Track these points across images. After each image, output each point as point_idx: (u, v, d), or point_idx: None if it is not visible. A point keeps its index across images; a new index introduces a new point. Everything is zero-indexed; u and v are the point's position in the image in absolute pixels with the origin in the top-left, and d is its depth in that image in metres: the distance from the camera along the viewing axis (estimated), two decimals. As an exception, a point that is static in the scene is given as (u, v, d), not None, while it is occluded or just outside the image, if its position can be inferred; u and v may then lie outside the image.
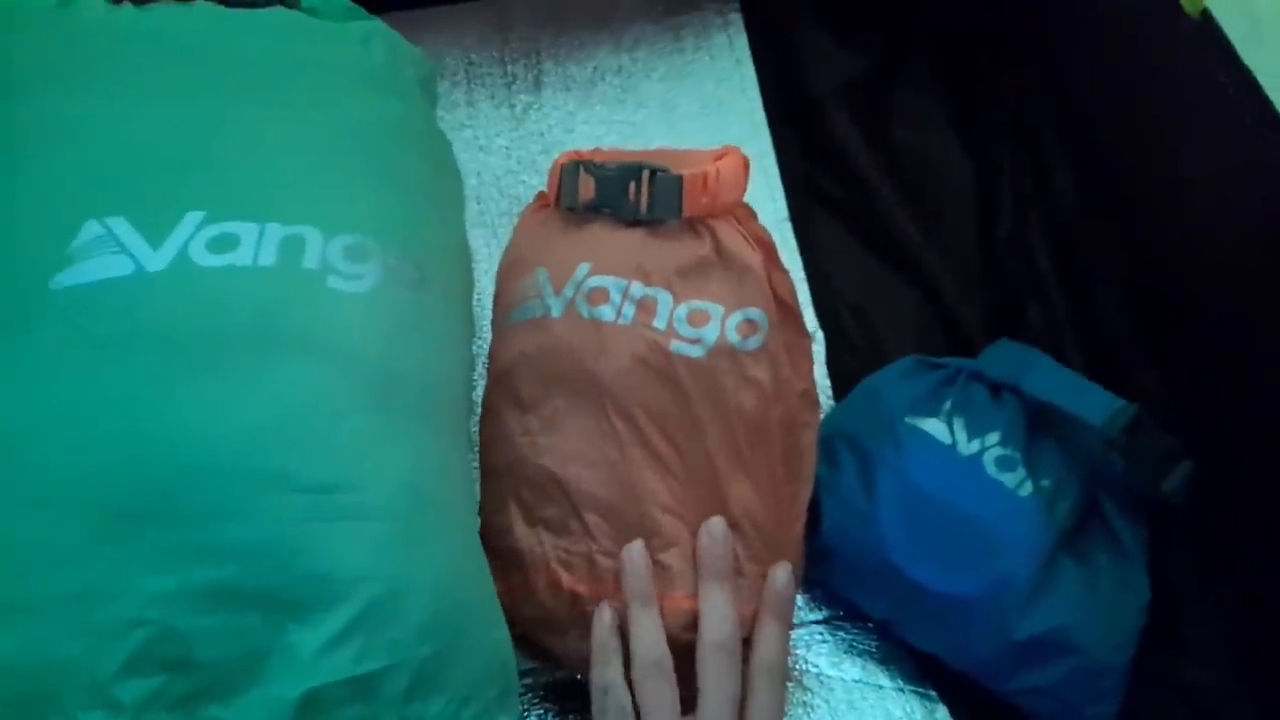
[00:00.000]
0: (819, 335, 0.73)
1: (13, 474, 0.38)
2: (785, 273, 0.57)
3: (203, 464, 0.39)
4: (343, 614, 0.39)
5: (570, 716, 0.58)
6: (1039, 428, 0.62)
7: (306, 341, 0.43)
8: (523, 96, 0.80)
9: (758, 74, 0.81)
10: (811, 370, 0.59)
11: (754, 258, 0.53)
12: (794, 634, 0.62)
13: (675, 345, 0.51)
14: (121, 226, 0.42)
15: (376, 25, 0.57)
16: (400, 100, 0.55)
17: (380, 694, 0.40)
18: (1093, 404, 0.60)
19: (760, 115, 0.80)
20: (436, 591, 0.42)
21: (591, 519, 0.50)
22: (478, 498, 0.53)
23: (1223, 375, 0.64)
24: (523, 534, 0.52)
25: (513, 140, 0.78)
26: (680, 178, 0.52)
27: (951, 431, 0.61)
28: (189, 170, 0.45)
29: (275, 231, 0.44)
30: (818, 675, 0.62)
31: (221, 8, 0.52)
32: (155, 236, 0.42)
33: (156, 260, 0.42)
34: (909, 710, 0.60)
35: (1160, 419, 0.64)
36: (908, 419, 0.62)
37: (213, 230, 0.43)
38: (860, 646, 0.62)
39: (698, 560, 0.51)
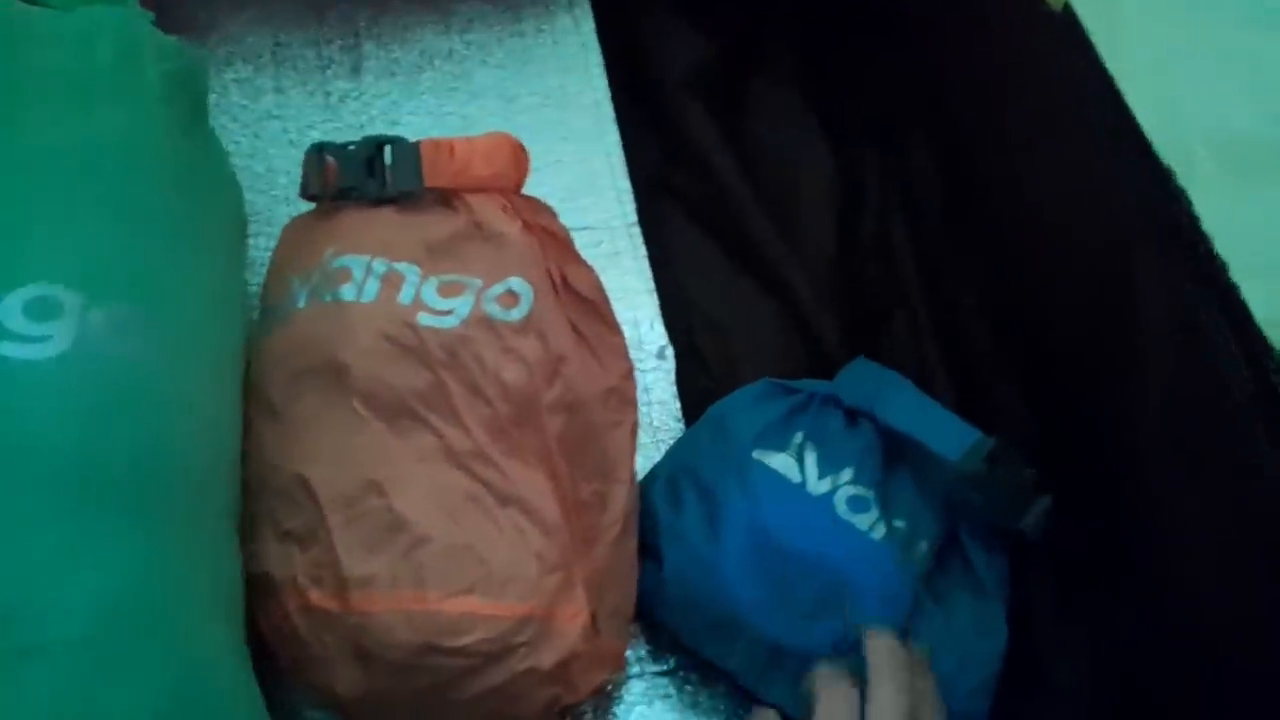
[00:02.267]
0: (668, 352, 0.67)
1: None
2: (587, 268, 0.54)
3: None
4: None
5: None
6: (895, 459, 0.58)
7: None
8: (339, 83, 0.71)
9: (605, 61, 0.74)
10: (624, 368, 0.55)
11: (512, 227, 0.51)
12: (644, 690, 0.57)
13: (423, 317, 0.48)
14: None
15: (109, 14, 0.47)
16: (132, 109, 0.46)
17: None
18: (948, 436, 0.56)
19: (607, 107, 0.73)
20: None
21: (335, 520, 0.44)
22: (234, 594, 0.45)
23: (1078, 391, 0.61)
24: (273, 554, 0.46)
25: (328, 134, 0.69)
26: (418, 144, 0.50)
27: (802, 468, 0.56)
28: None
29: None
30: (660, 734, 0.56)
31: None
32: None
33: None
34: (758, 775, 0.56)
35: (1020, 435, 0.60)
36: (755, 454, 0.56)
37: None
38: (704, 703, 0.57)
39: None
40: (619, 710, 0.56)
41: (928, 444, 0.56)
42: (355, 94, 0.71)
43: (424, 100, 0.71)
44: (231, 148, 0.68)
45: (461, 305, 0.48)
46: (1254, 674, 0.47)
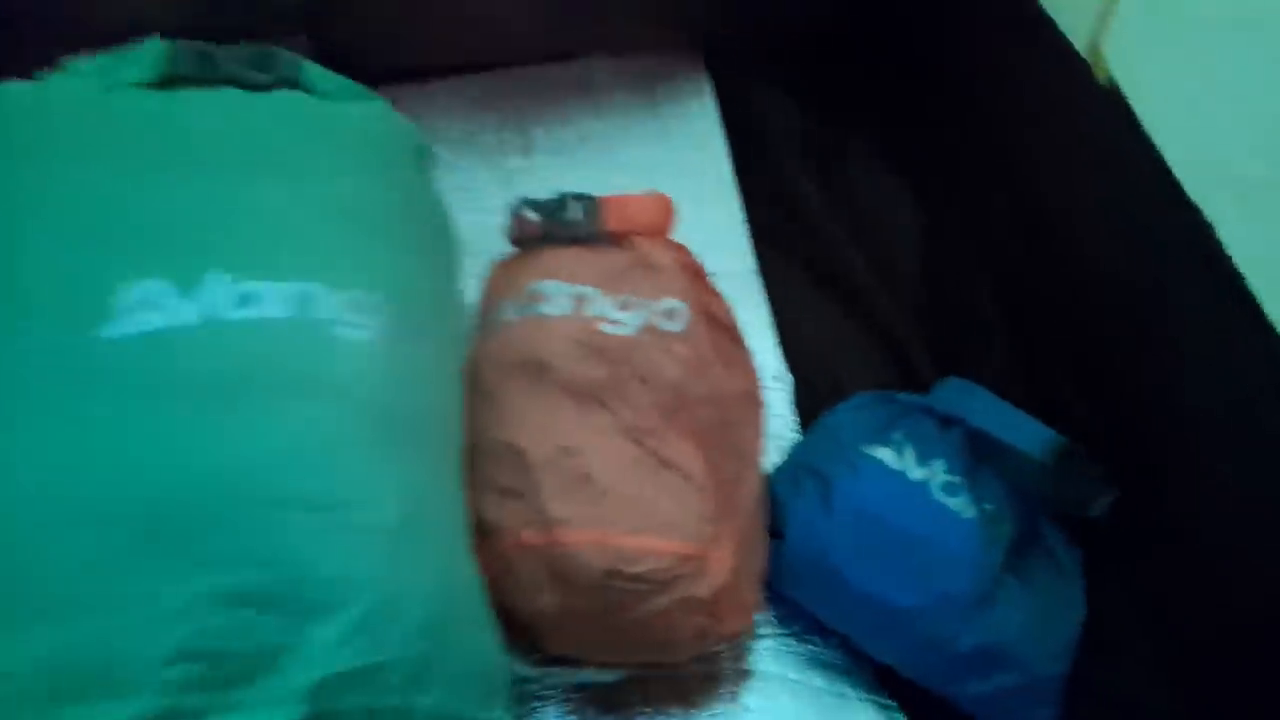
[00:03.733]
0: (786, 377, 0.80)
1: (74, 496, 0.44)
2: (719, 296, 0.68)
3: (229, 488, 0.46)
4: (348, 615, 0.45)
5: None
6: (982, 457, 0.68)
7: (316, 382, 0.50)
8: (514, 160, 0.87)
9: (726, 137, 0.89)
10: (752, 378, 0.68)
11: (669, 261, 0.65)
12: (772, 646, 0.68)
13: (604, 326, 0.62)
14: (155, 285, 0.49)
15: (375, 105, 0.65)
16: (395, 170, 0.62)
17: (380, 684, 0.46)
18: (1029, 435, 0.67)
19: (729, 174, 0.88)
20: (429, 599, 0.48)
21: (540, 471, 0.58)
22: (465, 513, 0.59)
23: (1146, 408, 0.70)
24: (491, 507, 0.59)
25: (506, 201, 0.85)
26: (599, 199, 0.66)
27: (902, 458, 0.68)
28: (213, 234, 0.52)
29: (292, 287, 0.51)
30: (789, 681, 0.67)
31: (239, 91, 0.59)
32: (187, 293, 0.49)
33: (188, 312, 0.49)
34: (870, 718, 0.66)
35: (1090, 447, 0.70)
36: (862, 447, 0.68)
37: (237, 288, 0.50)
38: (824, 659, 0.68)
39: None
40: (752, 659, 0.67)
41: (1012, 442, 0.66)
42: (526, 170, 0.87)
43: (581, 173, 0.86)
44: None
45: (633, 318, 0.62)
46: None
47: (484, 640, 0.53)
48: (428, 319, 0.57)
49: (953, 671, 0.64)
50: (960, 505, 0.66)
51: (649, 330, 0.62)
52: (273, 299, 0.50)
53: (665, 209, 0.67)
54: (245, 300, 0.50)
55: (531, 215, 0.67)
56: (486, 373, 0.63)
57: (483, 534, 0.60)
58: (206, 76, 0.59)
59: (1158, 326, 0.64)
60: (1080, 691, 0.65)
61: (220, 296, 0.50)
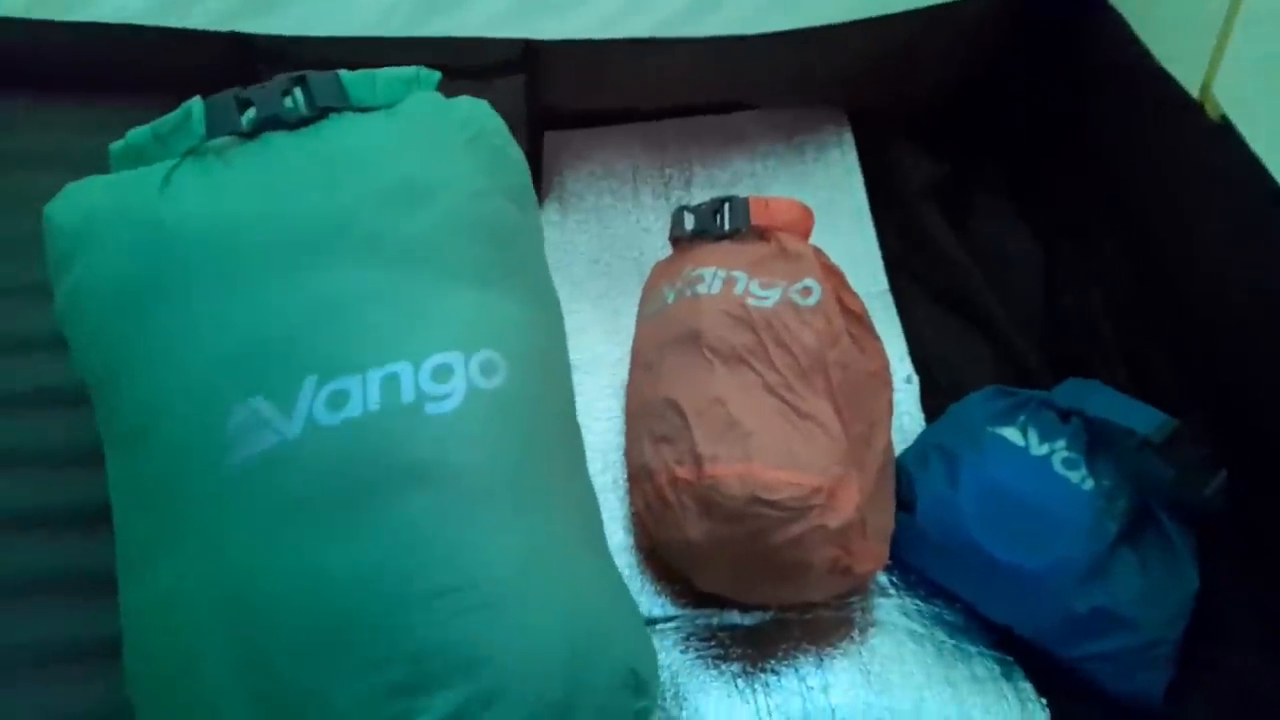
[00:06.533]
0: (914, 379, 0.89)
1: (238, 624, 0.48)
2: (852, 291, 0.78)
3: (360, 595, 0.49)
4: (489, 687, 0.48)
5: (712, 654, 0.73)
6: (1099, 443, 0.75)
7: (417, 472, 0.50)
8: (677, 192, 1.01)
9: (864, 178, 1.01)
10: (883, 362, 0.77)
11: (806, 250, 0.75)
12: (899, 603, 0.76)
13: (750, 301, 0.73)
14: (260, 404, 0.50)
15: (422, 99, 0.60)
16: (455, 180, 0.58)
17: None
18: (1144, 418, 0.73)
19: (866, 211, 0.99)
20: (564, 640, 0.51)
21: (693, 419, 0.69)
22: (600, 523, 0.62)
23: (1252, 417, 0.76)
24: (649, 453, 0.71)
25: (667, 225, 0.98)
26: (746, 199, 0.78)
27: (1025, 437, 0.75)
28: (299, 340, 0.52)
29: (374, 376, 0.51)
30: (915, 633, 0.74)
31: (284, 140, 0.56)
32: (286, 407, 0.50)
33: (292, 427, 0.50)
34: (990, 670, 0.72)
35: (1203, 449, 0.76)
36: (989, 427, 0.76)
37: (327, 390, 0.50)
38: (947, 618, 0.75)
39: None
40: (879, 614, 0.75)
41: (1127, 424, 0.73)
42: (687, 199, 1.00)
43: (734, 204, 0.99)
44: (608, 234, 0.99)
45: (774, 294, 0.73)
46: None
47: (632, 640, 0.56)
48: (514, 348, 0.56)
49: (1069, 632, 0.70)
50: (1079, 478, 0.73)
51: (787, 304, 0.73)
52: (361, 394, 0.50)
53: (803, 210, 0.79)
54: (336, 401, 0.50)
55: (689, 215, 0.80)
56: (647, 350, 0.75)
57: (642, 477, 0.72)
58: (247, 131, 0.56)
59: (1263, 329, 0.70)
60: (1193, 666, 0.70)
61: (314, 403, 0.50)
